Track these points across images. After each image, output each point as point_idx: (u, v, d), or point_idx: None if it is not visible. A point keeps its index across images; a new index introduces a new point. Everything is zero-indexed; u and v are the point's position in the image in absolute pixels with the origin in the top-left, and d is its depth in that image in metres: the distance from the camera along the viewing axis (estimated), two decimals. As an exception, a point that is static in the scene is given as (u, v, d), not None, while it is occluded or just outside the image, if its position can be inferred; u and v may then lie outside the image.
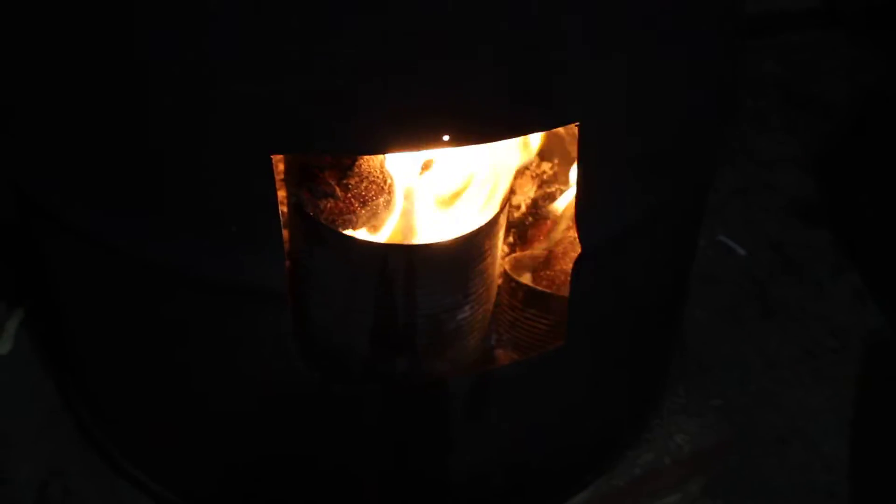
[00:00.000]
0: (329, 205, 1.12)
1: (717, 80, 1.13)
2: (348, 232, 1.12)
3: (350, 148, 0.99)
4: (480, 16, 0.87)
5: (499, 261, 1.21)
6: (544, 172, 1.39)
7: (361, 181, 1.13)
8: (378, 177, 1.14)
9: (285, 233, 1.21)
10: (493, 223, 1.14)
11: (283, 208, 1.17)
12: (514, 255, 1.32)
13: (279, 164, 1.20)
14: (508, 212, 1.31)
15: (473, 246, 1.12)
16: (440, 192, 1.17)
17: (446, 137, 0.92)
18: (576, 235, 1.05)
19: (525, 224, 1.35)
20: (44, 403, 1.47)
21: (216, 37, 0.86)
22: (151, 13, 0.86)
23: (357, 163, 1.13)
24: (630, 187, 1.07)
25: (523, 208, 1.36)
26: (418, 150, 0.95)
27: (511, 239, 1.35)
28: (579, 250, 1.06)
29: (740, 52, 1.16)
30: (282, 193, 1.20)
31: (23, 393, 1.48)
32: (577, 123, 0.97)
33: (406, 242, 1.14)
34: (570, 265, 1.11)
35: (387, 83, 0.88)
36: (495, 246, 1.16)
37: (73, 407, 1.42)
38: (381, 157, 1.12)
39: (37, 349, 1.52)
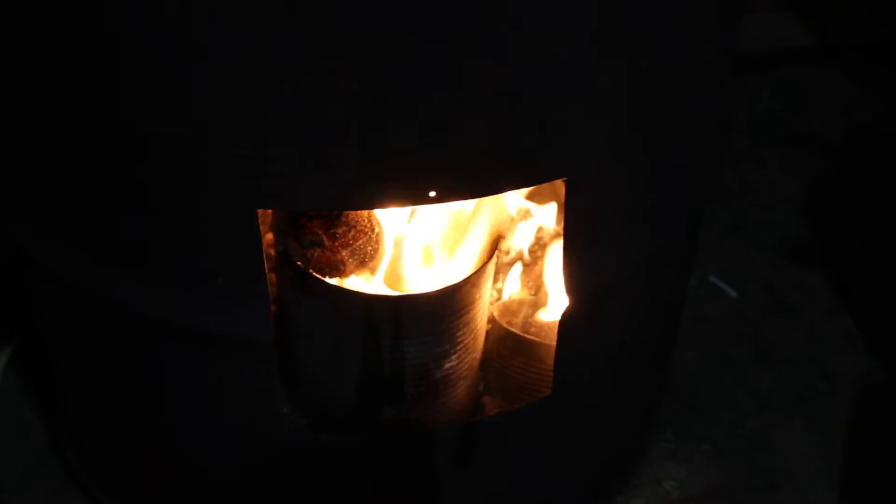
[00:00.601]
0: (316, 254, 1.12)
1: (706, 138, 1.13)
2: (336, 281, 1.12)
3: (336, 204, 0.99)
4: (465, 74, 0.87)
5: (487, 307, 1.21)
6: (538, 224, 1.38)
7: (349, 230, 1.13)
8: (366, 225, 1.14)
9: (273, 278, 1.21)
10: (480, 273, 1.14)
11: (271, 251, 1.17)
12: (503, 300, 1.31)
13: (267, 213, 1.20)
14: (498, 257, 1.31)
15: (461, 296, 1.12)
16: (429, 241, 1.17)
17: (433, 193, 0.92)
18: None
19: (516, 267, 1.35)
20: (32, 444, 1.46)
21: (203, 100, 0.86)
22: (140, 78, 0.87)
23: (345, 213, 1.13)
24: (617, 240, 1.08)
25: (512, 254, 1.36)
26: (405, 206, 0.95)
27: (500, 284, 1.35)
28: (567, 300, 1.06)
29: (731, 101, 1.16)
30: (269, 238, 1.20)
31: (10, 433, 1.48)
32: (564, 179, 0.98)
33: (394, 292, 1.13)
34: (559, 312, 1.11)
35: (372, 142, 0.89)
36: (484, 295, 1.16)
37: (60, 448, 1.42)
38: (368, 207, 1.12)
39: (26, 388, 1.51)
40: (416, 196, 0.92)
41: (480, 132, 0.91)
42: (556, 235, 1.35)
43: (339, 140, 0.88)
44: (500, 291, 1.33)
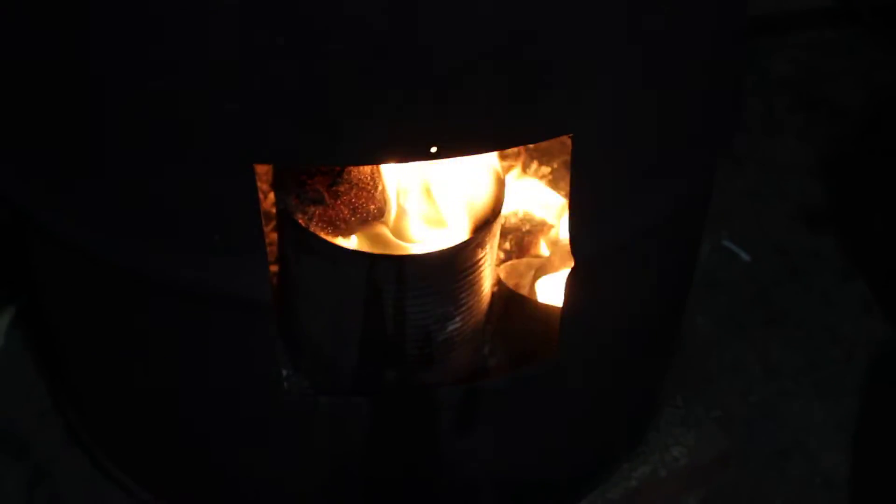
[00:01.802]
0: (318, 212, 1.10)
1: (718, 92, 1.10)
2: (337, 240, 1.10)
3: (335, 159, 0.97)
4: (466, 25, 0.84)
5: (492, 270, 1.18)
6: (544, 176, 1.36)
7: (351, 188, 1.11)
8: (369, 184, 1.12)
9: (273, 237, 1.20)
10: (485, 233, 1.11)
11: (273, 210, 1.15)
12: (509, 262, 1.29)
13: (268, 170, 1.18)
14: (504, 218, 1.29)
15: (465, 256, 1.10)
16: (433, 199, 1.14)
17: (434, 149, 0.89)
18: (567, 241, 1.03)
19: (522, 230, 1.33)
20: (34, 404, 1.45)
21: (199, 51, 0.84)
22: (132, 26, 0.84)
23: (347, 169, 1.11)
24: (625, 200, 1.05)
25: (521, 214, 1.34)
26: (406, 161, 0.92)
27: (507, 245, 1.33)
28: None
29: (744, 59, 1.13)
30: (272, 197, 1.18)
31: (13, 393, 1.47)
32: (570, 135, 0.95)
33: (396, 252, 1.11)
34: (566, 274, 1.09)
35: (373, 95, 0.86)
36: (488, 256, 1.14)
37: (62, 408, 1.41)
38: (371, 164, 1.10)
39: (28, 348, 1.50)
40: (417, 152, 0.90)
41: (483, 85, 0.88)
42: (562, 193, 1.33)
43: (337, 93, 0.86)
44: (506, 253, 1.31)
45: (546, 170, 1.36)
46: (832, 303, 1.66)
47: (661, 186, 1.08)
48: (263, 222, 0.96)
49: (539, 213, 1.33)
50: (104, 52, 0.88)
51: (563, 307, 1.09)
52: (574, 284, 1.06)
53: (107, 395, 1.26)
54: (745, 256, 1.72)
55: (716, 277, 1.69)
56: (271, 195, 1.20)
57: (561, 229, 1.31)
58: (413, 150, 0.90)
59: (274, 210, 1.17)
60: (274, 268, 1.18)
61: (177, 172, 0.94)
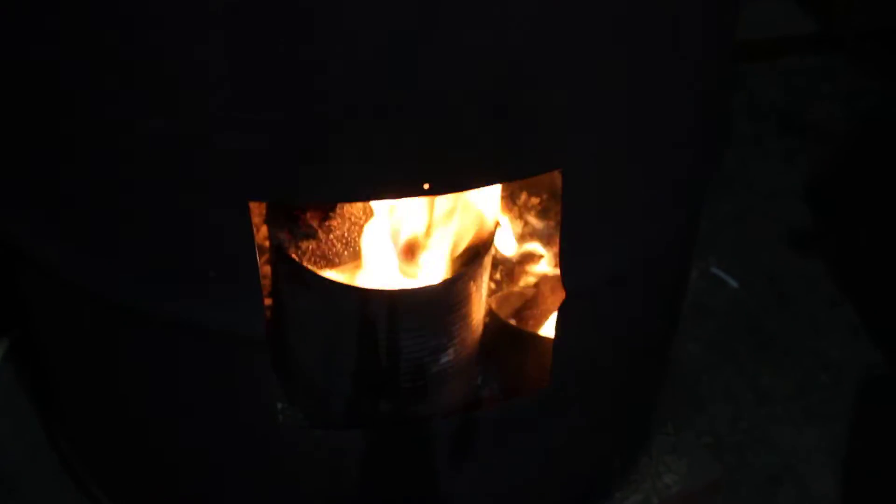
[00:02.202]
0: (311, 246, 1.11)
1: (705, 124, 1.12)
2: (330, 274, 1.11)
3: (329, 196, 0.98)
4: (459, 64, 0.85)
5: (484, 300, 1.19)
6: (533, 207, 1.37)
7: (344, 222, 1.12)
8: (361, 218, 1.13)
9: (268, 271, 1.20)
10: (477, 266, 1.12)
11: (266, 244, 1.16)
12: (500, 292, 1.30)
13: (261, 205, 1.19)
14: (495, 249, 1.30)
15: (457, 290, 1.11)
16: (425, 233, 1.15)
17: (427, 186, 0.90)
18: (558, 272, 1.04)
19: (512, 261, 1.34)
20: (28, 437, 1.45)
21: (194, 91, 0.85)
22: (125, 69, 0.85)
23: (339, 204, 1.12)
24: (614, 233, 1.06)
25: (511, 244, 1.35)
26: (399, 198, 0.93)
27: (498, 276, 1.34)
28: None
29: (730, 90, 1.15)
30: (265, 230, 1.18)
31: (7, 425, 1.46)
32: (560, 170, 0.96)
33: (389, 286, 1.12)
34: (558, 304, 1.10)
35: (365, 133, 0.87)
36: (480, 287, 1.15)
37: (55, 441, 1.41)
38: (363, 199, 1.11)
39: (22, 381, 1.50)
40: (410, 188, 0.91)
41: (474, 123, 0.89)
42: (551, 224, 1.34)
43: (331, 132, 0.87)
44: (497, 283, 1.32)
45: (535, 201, 1.37)
46: (820, 328, 1.67)
47: (650, 218, 1.09)
48: (258, 254, 0.97)
49: (528, 244, 1.34)
50: (101, 90, 0.89)
51: (554, 338, 1.10)
52: (565, 316, 1.07)
53: (101, 428, 1.26)
54: (733, 283, 1.73)
55: (705, 304, 1.70)
56: (264, 228, 1.21)
57: (550, 259, 1.33)
58: (406, 187, 0.91)
59: (267, 243, 1.18)
60: (268, 300, 1.19)
61: (172, 208, 0.95)
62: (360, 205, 1.12)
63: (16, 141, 1.00)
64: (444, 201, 1.14)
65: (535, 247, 1.34)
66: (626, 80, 0.95)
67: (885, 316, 1.69)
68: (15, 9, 0.87)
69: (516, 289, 1.31)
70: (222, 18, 0.82)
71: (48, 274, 1.07)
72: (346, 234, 1.11)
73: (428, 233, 1.14)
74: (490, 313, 1.25)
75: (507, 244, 1.33)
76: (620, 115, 0.97)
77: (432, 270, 1.13)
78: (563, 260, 1.02)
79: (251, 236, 0.93)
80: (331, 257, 1.12)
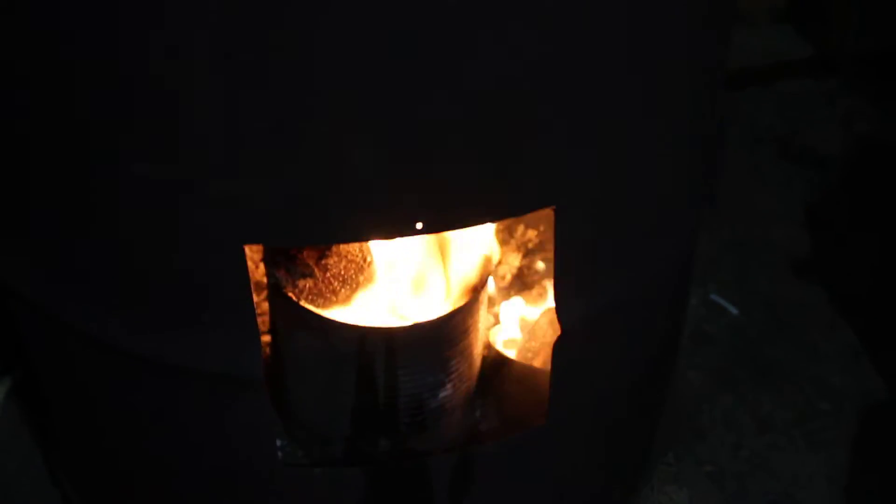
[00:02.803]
0: (308, 285, 1.12)
1: (698, 157, 1.12)
2: (327, 313, 1.11)
3: (324, 238, 0.99)
4: (451, 103, 0.86)
5: (481, 334, 1.20)
6: (529, 240, 1.38)
7: (340, 261, 1.13)
8: (357, 256, 1.13)
9: (265, 306, 1.21)
10: (474, 300, 1.13)
11: (264, 280, 1.17)
12: (498, 325, 1.31)
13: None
14: (494, 282, 1.30)
15: (455, 325, 1.12)
16: (421, 269, 1.16)
17: (420, 225, 0.91)
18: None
19: (510, 293, 1.34)
20: (31, 474, 1.46)
21: (190, 137, 0.86)
22: (122, 116, 0.87)
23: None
24: (609, 268, 1.07)
25: (508, 278, 1.36)
26: (393, 238, 0.94)
27: (496, 309, 1.34)
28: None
29: (721, 122, 1.16)
30: (261, 268, 1.19)
31: (10, 465, 1.47)
32: (553, 207, 0.97)
33: (386, 323, 1.13)
34: (556, 337, 1.10)
35: (357, 175, 0.88)
36: (477, 322, 1.16)
37: (58, 481, 1.41)
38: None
39: (25, 420, 1.51)
40: (403, 228, 0.92)
41: (466, 163, 0.90)
42: (548, 257, 1.34)
43: (323, 175, 0.88)
44: (496, 316, 1.33)
45: (532, 233, 1.37)
46: (820, 355, 1.67)
47: (645, 252, 1.10)
48: (254, 292, 0.98)
49: (526, 277, 1.35)
50: (97, 135, 0.90)
51: (551, 372, 1.10)
52: (562, 350, 1.08)
53: (101, 467, 1.27)
54: (732, 310, 1.74)
55: (705, 332, 1.70)
56: (262, 265, 1.22)
57: (546, 292, 1.33)
58: (400, 228, 0.92)
59: (265, 280, 1.19)
60: (266, 338, 1.20)
61: (167, 253, 0.95)
62: (356, 244, 1.12)
63: (12, 187, 1.01)
64: (439, 237, 1.15)
65: (531, 278, 1.34)
66: (621, 117, 0.96)
67: (886, 342, 1.69)
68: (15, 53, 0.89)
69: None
70: (218, 63, 0.83)
71: (45, 317, 1.08)
72: (342, 273, 1.12)
73: (424, 269, 1.15)
74: (488, 346, 1.26)
75: (502, 278, 1.34)
76: (614, 152, 0.98)
77: (429, 306, 1.14)
78: (558, 295, 1.03)
79: (247, 281, 0.94)
80: (328, 295, 1.12)
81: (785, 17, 2.36)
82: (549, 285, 1.33)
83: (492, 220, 0.98)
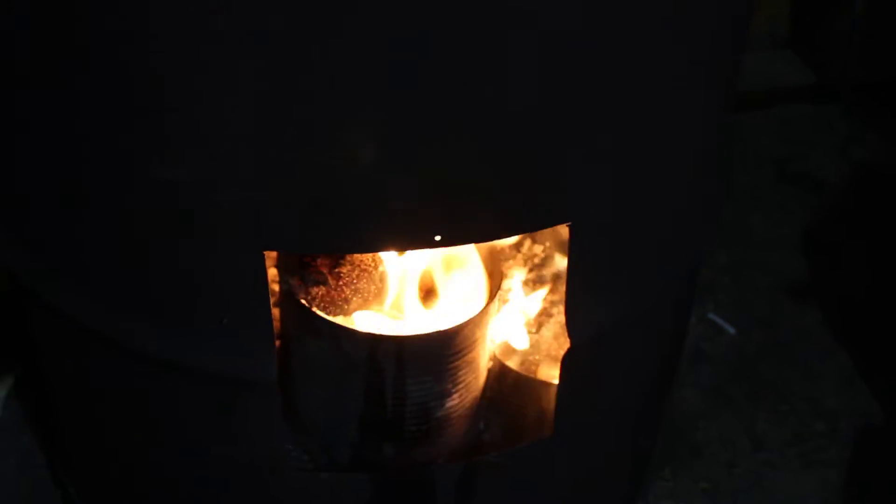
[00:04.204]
0: (321, 292, 1.13)
1: (708, 176, 1.14)
2: (339, 320, 1.13)
3: (342, 248, 1.00)
4: (470, 119, 0.88)
5: (489, 346, 1.21)
6: (535, 255, 1.39)
7: (353, 269, 1.14)
8: (370, 265, 1.15)
9: (277, 312, 1.22)
10: (483, 312, 1.14)
11: (276, 286, 1.18)
12: (505, 338, 1.32)
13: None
14: (499, 296, 1.32)
15: (464, 336, 1.13)
16: (432, 280, 1.18)
17: (438, 237, 0.93)
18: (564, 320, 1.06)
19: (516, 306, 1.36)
20: (31, 473, 1.46)
21: (210, 142, 0.88)
22: (141, 121, 0.88)
23: (349, 252, 1.14)
24: (620, 283, 1.08)
25: (515, 291, 1.37)
26: (410, 249, 0.96)
27: (503, 321, 1.35)
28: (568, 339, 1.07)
29: (730, 141, 1.18)
30: (273, 272, 1.20)
31: (11, 463, 1.48)
32: (568, 224, 0.99)
33: (397, 332, 1.14)
34: (560, 350, 1.12)
35: (376, 187, 0.90)
36: (485, 334, 1.17)
37: (60, 479, 1.42)
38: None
39: (27, 419, 1.52)
40: (420, 241, 0.93)
41: (484, 178, 0.92)
42: (555, 276, 1.36)
43: (345, 185, 0.89)
44: (502, 328, 1.34)
45: (539, 248, 1.39)
46: (816, 375, 1.69)
47: (656, 268, 1.12)
48: (269, 297, 0.99)
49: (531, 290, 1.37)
50: (115, 138, 0.91)
51: (558, 386, 1.12)
52: (570, 364, 1.09)
53: (106, 467, 1.27)
54: (730, 329, 1.76)
55: (702, 350, 1.72)
56: (273, 270, 1.23)
57: (551, 307, 1.35)
58: (418, 240, 0.93)
59: (276, 285, 1.20)
60: (276, 342, 1.21)
61: (186, 257, 0.97)
62: (370, 253, 1.14)
63: (28, 186, 1.02)
64: (452, 249, 1.16)
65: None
66: (638, 135, 0.98)
67: (880, 365, 1.71)
68: (33, 56, 0.90)
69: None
70: (242, 73, 0.84)
71: (59, 317, 1.08)
72: (355, 281, 1.13)
73: (435, 280, 1.16)
74: (494, 359, 1.27)
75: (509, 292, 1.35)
76: (630, 170, 1.00)
77: (439, 317, 1.16)
78: (569, 311, 1.05)
79: (265, 285, 0.95)
80: (340, 303, 1.14)
81: (786, 44, 2.39)
82: (555, 299, 1.35)
83: (508, 235, 1.00)
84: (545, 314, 1.35)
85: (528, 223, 0.98)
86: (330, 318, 1.12)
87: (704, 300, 1.79)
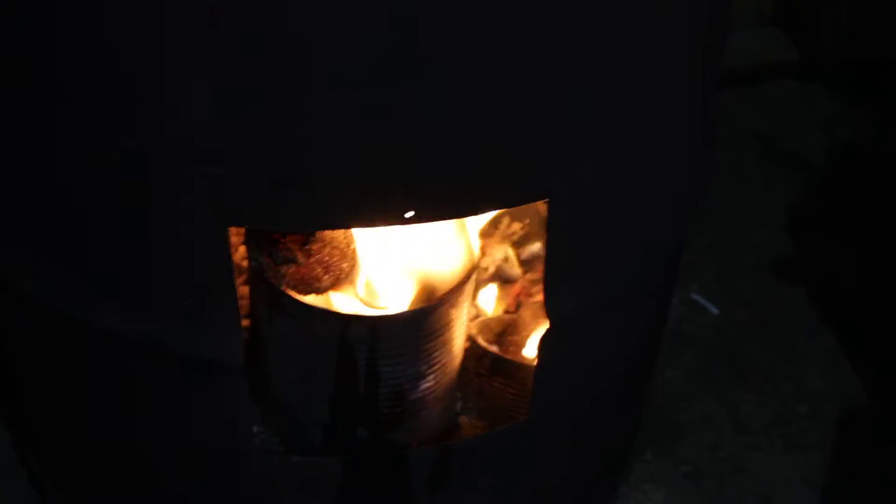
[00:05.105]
0: (290, 270, 1.10)
1: (691, 153, 1.11)
2: (310, 299, 1.09)
3: (311, 223, 0.97)
4: (440, 93, 0.85)
5: (465, 326, 1.18)
6: (514, 233, 1.37)
7: (324, 247, 1.11)
8: (341, 242, 1.11)
9: (245, 290, 1.19)
10: (458, 291, 1.11)
11: (244, 264, 1.15)
12: (481, 318, 1.29)
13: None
14: (476, 274, 1.29)
15: (438, 316, 1.10)
16: (406, 258, 1.14)
17: (410, 214, 0.89)
18: (542, 300, 1.03)
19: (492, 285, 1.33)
20: (7, 474, 1.43)
21: (173, 118, 0.84)
22: (96, 93, 0.84)
23: (320, 228, 1.10)
24: (599, 262, 1.05)
25: (492, 269, 1.34)
26: (382, 226, 0.92)
27: (478, 301, 1.32)
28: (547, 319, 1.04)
29: (715, 117, 1.15)
30: (242, 250, 1.17)
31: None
32: (546, 200, 0.95)
33: (369, 312, 1.11)
34: (538, 330, 1.09)
35: (348, 160, 0.86)
36: (460, 314, 1.14)
37: (26, 460, 1.39)
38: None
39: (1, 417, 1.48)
40: (392, 217, 0.90)
41: (458, 152, 0.89)
42: (534, 255, 1.33)
43: (313, 159, 0.86)
44: (478, 308, 1.31)
45: (517, 226, 1.36)
46: (800, 357, 1.67)
47: (636, 247, 1.09)
48: (235, 275, 0.96)
49: (508, 269, 1.34)
50: (74, 110, 0.87)
51: (536, 367, 1.09)
52: (548, 345, 1.06)
53: (69, 449, 1.24)
54: (713, 310, 1.73)
55: (685, 331, 1.70)
56: (242, 248, 1.19)
57: (530, 286, 1.32)
58: (389, 215, 0.90)
59: (245, 263, 1.17)
60: (245, 321, 1.18)
61: (147, 235, 0.93)
62: (341, 230, 1.10)
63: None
64: (426, 227, 1.13)
65: (514, 271, 1.33)
66: (616, 109, 0.95)
67: (865, 346, 1.69)
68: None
69: (496, 315, 1.30)
70: (205, 37, 0.81)
71: (21, 299, 1.05)
72: (326, 259, 1.10)
73: (409, 258, 1.13)
74: (471, 339, 1.24)
75: (487, 267, 1.32)
76: (609, 145, 0.96)
77: (413, 296, 1.12)
78: (548, 289, 1.02)
79: (230, 265, 0.92)
80: (310, 282, 1.10)
81: (771, 20, 2.36)
82: (534, 278, 1.32)
83: (484, 211, 0.96)
84: (524, 293, 1.32)
85: (502, 199, 0.95)
86: (300, 297, 1.08)
87: (687, 280, 1.77)
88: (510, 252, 1.32)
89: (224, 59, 0.81)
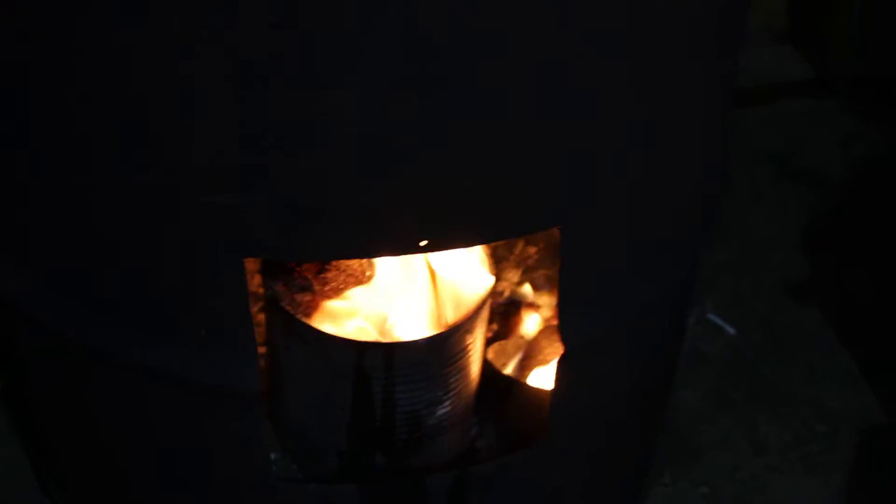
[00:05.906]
0: (306, 298, 1.10)
1: (705, 177, 1.11)
2: (325, 327, 1.10)
3: (326, 254, 0.97)
4: (455, 125, 0.85)
5: (481, 352, 1.19)
6: (528, 257, 1.37)
7: (339, 275, 1.11)
8: (356, 270, 1.12)
9: (261, 317, 1.19)
10: (474, 317, 1.12)
11: (260, 291, 1.15)
12: (497, 343, 1.29)
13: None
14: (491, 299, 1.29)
15: (454, 342, 1.10)
16: (421, 285, 1.15)
17: (424, 243, 0.90)
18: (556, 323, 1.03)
19: (509, 311, 1.33)
20: (18, 481, 1.44)
21: (189, 149, 0.85)
22: (115, 125, 0.85)
23: (336, 256, 1.11)
24: (612, 288, 1.05)
25: (507, 294, 1.34)
26: (397, 255, 0.93)
27: (495, 326, 1.33)
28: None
29: (727, 140, 1.15)
30: (258, 279, 1.18)
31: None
32: (558, 227, 0.96)
33: (385, 339, 1.11)
34: (555, 355, 1.09)
35: (363, 192, 0.87)
36: (476, 339, 1.14)
37: (47, 489, 1.40)
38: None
39: (12, 427, 1.49)
40: (406, 246, 0.90)
41: (473, 182, 0.89)
42: (548, 273, 1.33)
43: (326, 190, 0.86)
44: (494, 333, 1.32)
45: (532, 250, 1.36)
46: (818, 376, 1.66)
47: (649, 272, 1.09)
48: (251, 304, 0.96)
49: (524, 293, 1.34)
50: (100, 142, 0.88)
51: (552, 392, 1.09)
52: (563, 370, 1.06)
53: (91, 478, 1.25)
54: (730, 330, 1.73)
55: (701, 351, 1.69)
56: (258, 277, 1.20)
57: (546, 310, 1.32)
58: (404, 245, 0.91)
59: (261, 291, 1.18)
60: (262, 349, 1.18)
61: (164, 264, 0.94)
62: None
63: (5, 193, 0.99)
64: (441, 254, 1.13)
65: (530, 296, 1.33)
66: (628, 135, 0.95)
67: (883, 365, 1.68)
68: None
69: (512, 339, 1.30)
70: (224, 70, 0.81)
71: (40, 326, 1.06)
72: (341, 287, 1.10)
73: (424, 285, 1.13)
74: (486, 364, 1.24)
75: (503, 292, 1.33)
76: (621, 173, 0.97)
77: (429, 323, 1.13)
78: (562, 315, 1.02)
79: (246, 295, 0.92)
80: (326, 310, 1.11)
81: (785, 38, 2.36)
82: (548, 303, 1.32)
83: (496, 240, 0.97)
84: (540, 318, 1.32)
85: (516, 227, 0.96)
86: (316, 324, 1.09)
87: (703, 299, 1.76)
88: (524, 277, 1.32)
89: (246, 96, 0.82)
